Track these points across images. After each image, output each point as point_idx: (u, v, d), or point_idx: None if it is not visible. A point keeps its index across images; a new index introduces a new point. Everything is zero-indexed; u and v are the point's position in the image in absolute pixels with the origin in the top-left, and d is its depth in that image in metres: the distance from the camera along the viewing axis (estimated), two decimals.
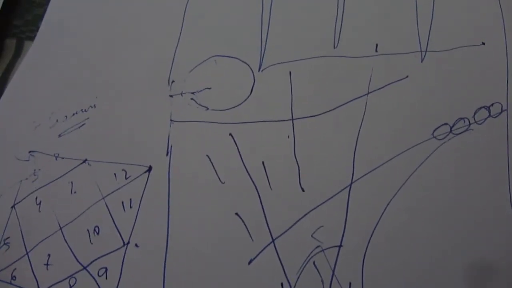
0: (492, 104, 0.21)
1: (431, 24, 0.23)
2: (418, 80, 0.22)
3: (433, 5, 0.23)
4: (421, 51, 0.23)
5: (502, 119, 0.20)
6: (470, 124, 0.20)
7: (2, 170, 0.27)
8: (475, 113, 0.21)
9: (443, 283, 0.18)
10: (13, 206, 0.26)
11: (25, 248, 0.24)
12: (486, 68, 0.21)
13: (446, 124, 0.21)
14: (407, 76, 0.22)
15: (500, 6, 0.23)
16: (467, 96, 0.21)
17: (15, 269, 0.24)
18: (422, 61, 0.22)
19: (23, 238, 0.25)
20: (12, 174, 0.27)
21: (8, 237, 0.25)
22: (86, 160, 0.26)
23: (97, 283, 0.22)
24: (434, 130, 0.21)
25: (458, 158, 0.20)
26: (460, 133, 0.20)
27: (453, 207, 0.19)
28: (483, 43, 0.22)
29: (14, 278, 0.24)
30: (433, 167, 0.20)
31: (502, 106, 0.20)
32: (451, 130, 0.21)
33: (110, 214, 0.23)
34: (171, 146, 0.24)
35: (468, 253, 0.18)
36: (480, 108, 0.21)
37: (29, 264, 0.24)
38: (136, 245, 0.22)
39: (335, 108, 0.22)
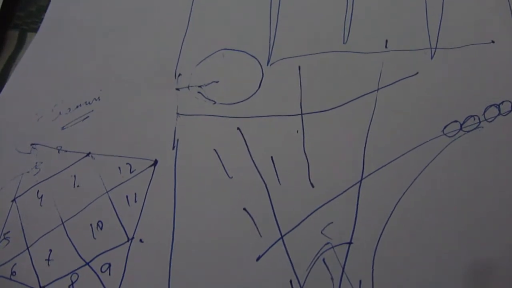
0: (502, 102, 0.21)
1: (440, 21, 0.23)
2: (428, 77, 0.22)
3: (443, 2, 0.23)
4: (431, 48, 0.22)
5: None
6: (480, 121, 0.20)
7: (3, 162, 0.27)
8: (485, 111, 0.20)
9: (453, 280, 0.18)
10: (13, 200, 0.25)
11: (26, 243, 0.24)
12: (496, 66, 0.21)
13: (456, 121, 0.21)
14: (417, 73, 0.22)
15: (510, 4, 0.23)
16: (477, 94, 0.21)
17: (15, 264, 0.23)
18: (432, 58, 0.22)
19: (23, 233, 0.24)
20: (13, 167, 0.26)
21: (8, 232, 0.24)
22: (89, 153, 0.25)
23: (100, 280, 0.22)
24: (444, 127, 0.21)
25: (468, 156, 0.20)
26: (470, 131, 0.20)
27: (463, 205, 0.19)
28: (493, 42, 0.22)
29: (14, 273, 0.23)
30: (443, 164, 0.20)
31: (511, 104, 0.20)
32: (461, 128, 0.20)
33: (114, 209, 0.23)
34: (178, 140, 0.24)
35: (478, 251, 0.18)
36: (490, 106, 0.21)
37: (29, 260, 0.23)
38: (140, 240, 0.22)
39: (344, 104, 0.22)
